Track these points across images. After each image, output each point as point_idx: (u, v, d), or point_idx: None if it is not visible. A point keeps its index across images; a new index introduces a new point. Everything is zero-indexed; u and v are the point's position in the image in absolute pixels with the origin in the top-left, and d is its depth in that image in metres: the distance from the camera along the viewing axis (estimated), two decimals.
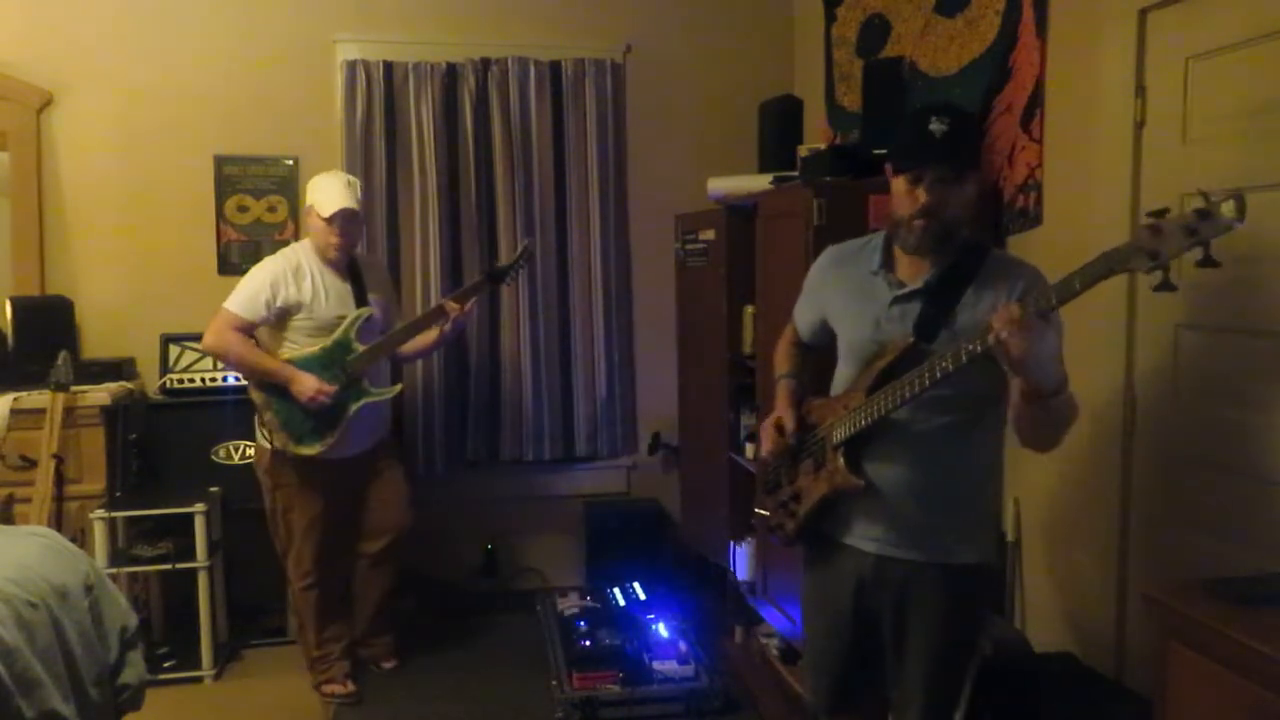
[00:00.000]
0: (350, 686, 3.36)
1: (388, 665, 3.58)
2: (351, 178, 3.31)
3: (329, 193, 3.20)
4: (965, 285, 1.90)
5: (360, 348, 3.22)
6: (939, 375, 1.77)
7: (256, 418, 3.26)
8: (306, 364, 3.17)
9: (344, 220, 3.20)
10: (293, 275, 3.19)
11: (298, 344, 3.21)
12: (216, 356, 3.46)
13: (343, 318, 3.22)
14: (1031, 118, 2.78)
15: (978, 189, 1.96)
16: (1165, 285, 1.51)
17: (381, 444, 3.44)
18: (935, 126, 1.84)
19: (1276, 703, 1.49)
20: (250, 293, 3.16)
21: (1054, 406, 1.76)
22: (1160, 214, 1.50)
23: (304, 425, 3.18)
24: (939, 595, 1.95)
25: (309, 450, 3.18)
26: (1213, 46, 2.21)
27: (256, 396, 3.21)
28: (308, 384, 3.12)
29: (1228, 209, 1.43)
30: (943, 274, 1.92)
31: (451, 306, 3.28)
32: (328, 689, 3.35)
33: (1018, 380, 1.74)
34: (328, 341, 3.20)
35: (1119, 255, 1.53)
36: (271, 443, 3.20)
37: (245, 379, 3.27)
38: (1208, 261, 1.47)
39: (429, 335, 3.38)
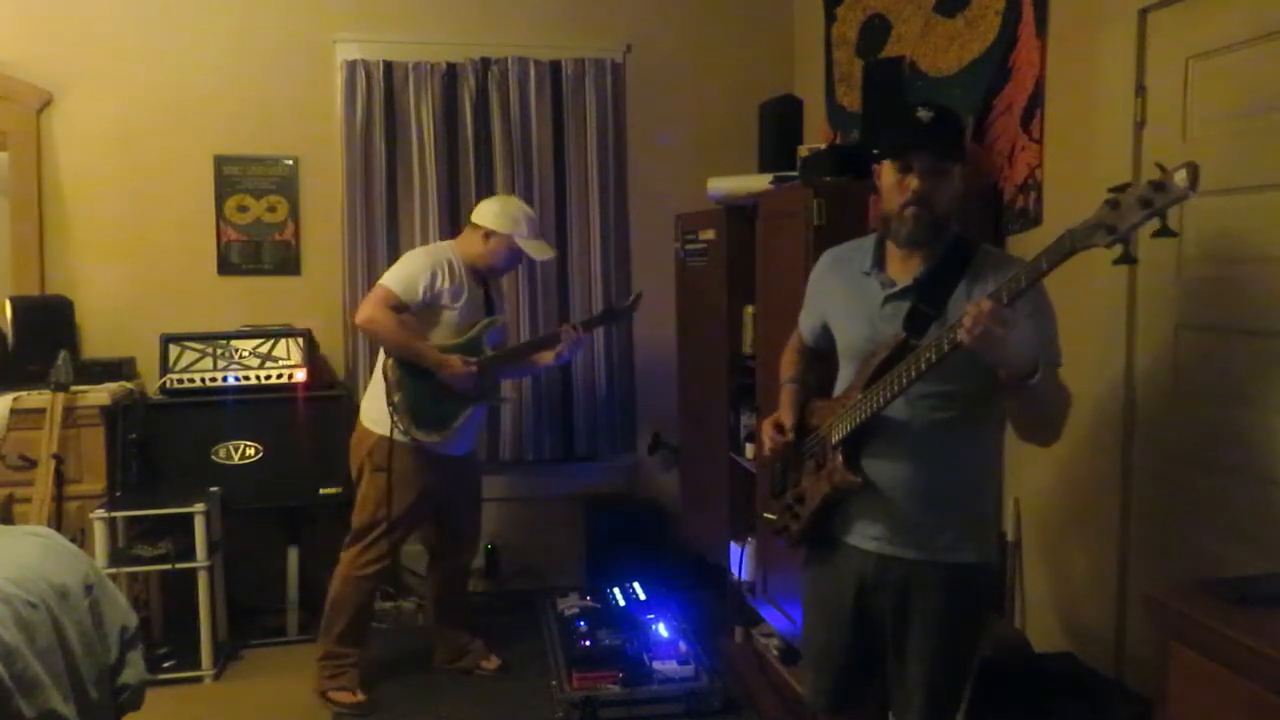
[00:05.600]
0: (360, 695, 3.28)
1: (489, 666, 3.54)
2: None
3: (537, 242, 3.35)
4: (956, 280, 1.91)
5: (490, 351, 3.30)
6: (924, 367, 1.78)
7: (381, 398, 3.19)
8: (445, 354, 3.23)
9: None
10: (447, 267, 3.23)
11: (437, 340, 3.23)
12: (369, 332, 3.43)
13: (474, 322, 3.29)
14: (1031, 118, 2.78)
15: (964, 185, 1.97)
16: (1126, 258, 1.56)
17: (476, 451, 3.55)
18: (922, 114, 1.90)
19: (1276, 703, 1.49)
20: (410, 274, 3.18)
21: (1038, 391, 1.75)
22: (1122, 189, 1.54)
23: (429, 412, 3.20)
24: (939, 595, 1.95)
25: (427, 437, 3.18)
26: (1213, 46, 2.21)
27: (391, 374, 3.18)
28: (457, 362, 3.18)
29: (1180, 179, 1.46)
30: (932, 270, 1.92)
31: (568, 332, 3.37)
32: (336, 695, 3.26)
33: (1001, 370, 1.75)
34: (460, 340, 3.25)
35: (1079, 233, 1.58)
36: (394, 426, 3.16)
37: (387, 355, 3.24)
38: (1165, 232, 1.51)
39: (545, 354, 3.43)
